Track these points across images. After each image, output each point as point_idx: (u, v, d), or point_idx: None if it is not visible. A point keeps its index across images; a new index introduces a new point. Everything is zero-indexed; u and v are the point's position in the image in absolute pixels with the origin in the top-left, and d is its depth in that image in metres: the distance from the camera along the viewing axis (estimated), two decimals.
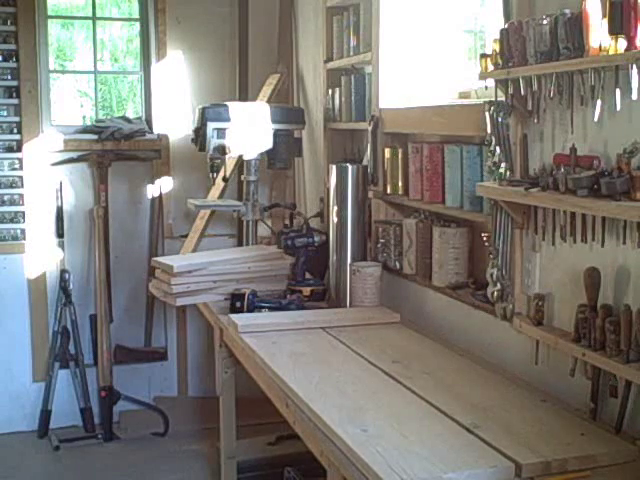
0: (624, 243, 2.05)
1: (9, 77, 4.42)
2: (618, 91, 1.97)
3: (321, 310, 3.28)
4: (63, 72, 4.99)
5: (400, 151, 3.28)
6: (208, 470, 4.06)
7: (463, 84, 3.18)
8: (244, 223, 4.06)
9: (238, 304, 3.19)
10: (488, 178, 2.55)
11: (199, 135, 3.77)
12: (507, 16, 2.47)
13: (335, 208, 3.38)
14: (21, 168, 4.46)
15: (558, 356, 2.31)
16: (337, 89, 3.91)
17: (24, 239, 4.51)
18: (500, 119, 2.44)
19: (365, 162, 3.52)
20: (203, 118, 3.73)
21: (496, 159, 2.45)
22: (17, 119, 4.44)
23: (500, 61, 2.37)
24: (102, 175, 4.58)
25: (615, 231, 2.08)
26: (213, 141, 3.73)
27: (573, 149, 2.18)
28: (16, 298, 4.51)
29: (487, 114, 2.46)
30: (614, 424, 2.06)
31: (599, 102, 2.05)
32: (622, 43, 1.92)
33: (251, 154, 3.90)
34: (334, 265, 3.39)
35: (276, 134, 3.88)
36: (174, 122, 4.67)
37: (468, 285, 2.85)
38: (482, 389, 2.38)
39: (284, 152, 3.92)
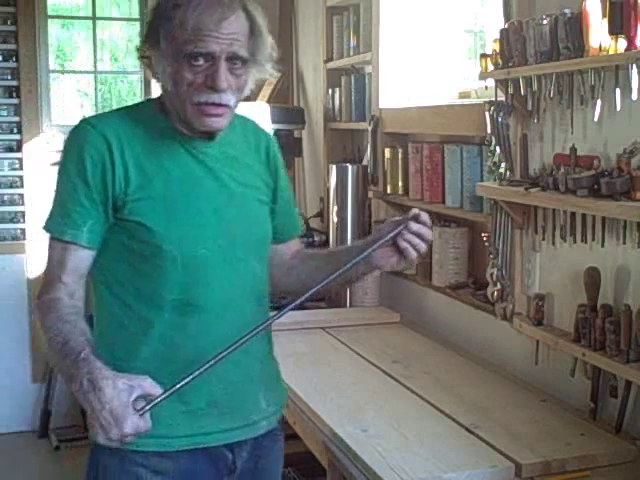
0: (624, 243, 2.05)
1: (9, 77, 4.42)
2: (618, 91, 1.97)
3: (321, 310, 3.28)
4: (63, 72, 4.99)
5: (400, 151, 3.28)
6: None
7: (463, 84, 3.18)
8: None
9: None
10: (488, 178, 2.55)
11: None
12: (507, 16, 2.47)
13: (335, 208, 3.38)
14: (21, 168, 4.46)
15: (558, 356, 2.31)
16: (337, 89, 3.91)
17: (24, 239, 4.51)
18: (500, 119, 2.44)
19: (365, 162, 3.52)
20: None
21: (496, 159, 2.45)
22: (17, 119, 4.43)
23: (500, 61, 2.37)
24: None
25: (615, 231, 2.08)
26: None
27: (573, 149, 2.18)
28: (16, 298, 4.51)
29: (487, 114, 2.46)
30: (614, 424, 2.06)
31: (599, 102, 2.05)
32: (622, 43, 1.91)
33: None
34: None
35: (276, 134, 3.88)
36: None
37: (468, 285, 2.85)
38: (482, 389, 2.38)
39: (284, 152, 3.90)
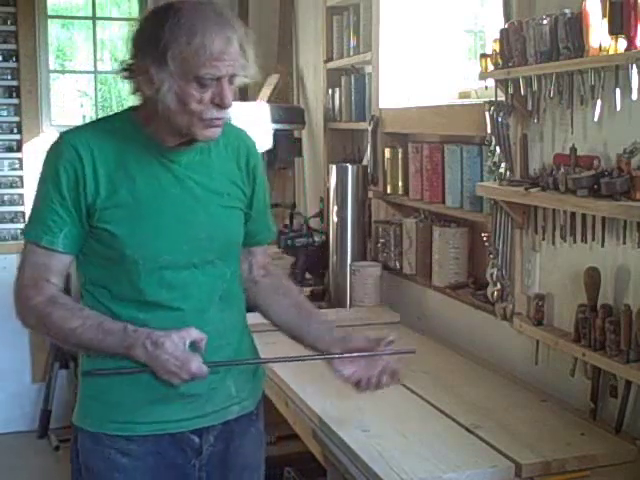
0: (624, 243, 2.05)
1: (9, 77, 4.42)
2: (618, 91, 1.97)
3: (321, 310, 3.27)
4: (63, 72, 4.99)
5: (400, 151, 3.28)
6: None
7: (463, 84, 3.18)
8: None
9: None
10: (488, 178, 2.55)
11: None
12: (507, 16, 2.47)
13: (335, 208, 3.38)
14: (21, 168, 4.46)
15: (558, 356, 2.31)
16: (337, 89, 3.91)
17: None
18: (500, 119, 2.44)
19: (365, 162, 3.52)
20: None
21: (496, 159, 2.45)
22: (17, 119, 4.44)
23: (500, 61, 2.37)
24: None
25: (615, 231, 2.08)
26: None
27: (573, 149, 2.18)
28: None
29: (487, 114, 2.46)
30: (614, 424, 2.06)
31: (599, 102, 2.05)
32: (622, 43, 1.91)
33: None
34: (334, 265, 3.38)
35: (276, 134, 3.87)
36: None
37: (468, 285, 2.85)
38: (482, 389, 2.38)
39: (284, 152, 3.91)
